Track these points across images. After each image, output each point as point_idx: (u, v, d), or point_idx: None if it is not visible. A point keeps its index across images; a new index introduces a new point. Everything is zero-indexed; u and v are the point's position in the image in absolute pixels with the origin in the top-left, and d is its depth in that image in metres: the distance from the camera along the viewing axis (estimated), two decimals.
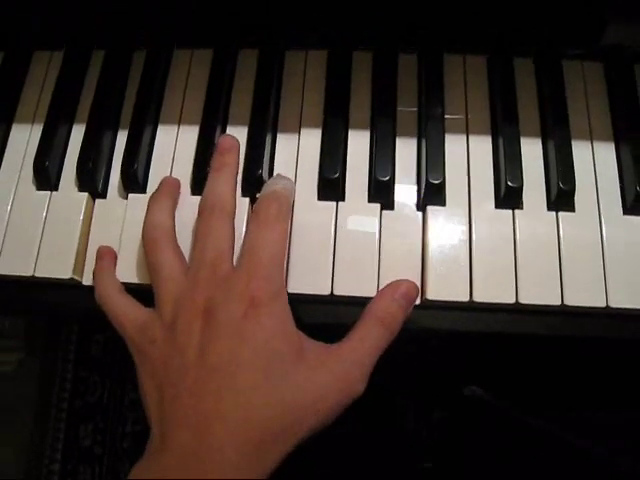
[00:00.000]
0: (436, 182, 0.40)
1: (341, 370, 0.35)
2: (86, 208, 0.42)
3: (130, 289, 0.40)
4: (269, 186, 0.39)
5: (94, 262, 0.41)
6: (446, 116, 0.43)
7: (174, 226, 0.40)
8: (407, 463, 0.66)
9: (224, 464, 0.31)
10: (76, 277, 0.41)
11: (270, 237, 0.36)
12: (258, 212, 0.37)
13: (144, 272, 0.40)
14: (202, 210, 0.39)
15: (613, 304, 0.39)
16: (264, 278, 0.35)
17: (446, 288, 0.39)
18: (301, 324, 0.37)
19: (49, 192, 0.43)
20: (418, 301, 0.39)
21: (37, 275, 0.41)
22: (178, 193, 0.42)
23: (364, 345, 0.36)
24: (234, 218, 0.39)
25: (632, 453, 0.51)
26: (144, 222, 0.40)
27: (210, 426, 0.32)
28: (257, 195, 0.41)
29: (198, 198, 0.40)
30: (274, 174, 0.42)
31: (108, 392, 1.02)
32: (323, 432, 0.58)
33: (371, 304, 0.38)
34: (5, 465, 0.96)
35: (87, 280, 0.41)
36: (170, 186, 0.41)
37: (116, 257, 0.41)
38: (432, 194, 0.41)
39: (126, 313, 0.38)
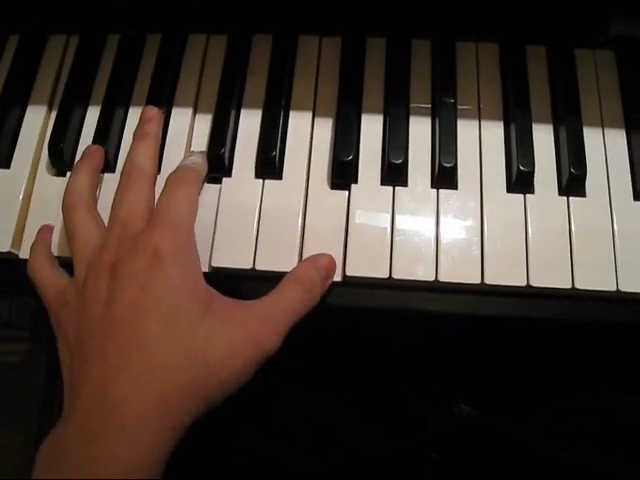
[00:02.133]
0: (448, 165, 0.41)
1: (252, 324, 0.35)
2: None
3: None
4: (179, 164, 0.41)
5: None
6: (459, 102, 0.44)
7: (93, 192, 0.41)
8: (412, 454, 0.66)
9: (126, 418, 0.31)
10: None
11: (175, 197, 0.38)
12: (166, 181, 0.39)
13: None
14: (122, 175, 0.40)
15: (624, 288, 0.39)
16: (168, 231, 0.35)
17: (458, 270, 0.39)
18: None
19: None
20: (432, 279, 0.39)
21: None
22: (100, 161, 0.42)
23: (280, 303, 0.36)
24: (154, 182, 0.40)
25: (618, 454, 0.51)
26: (65, 189, 0.40)
27: (114, 381, 0.32)
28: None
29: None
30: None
31: None
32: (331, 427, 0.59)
33: (292, 270, 0.39)
34: (13, 454, 0.96)
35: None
36: (91, 155, 0.42)
37: (52, 231, 0.42)
38: (444, 177, 0.41)
39: (49, 281, 0.39)
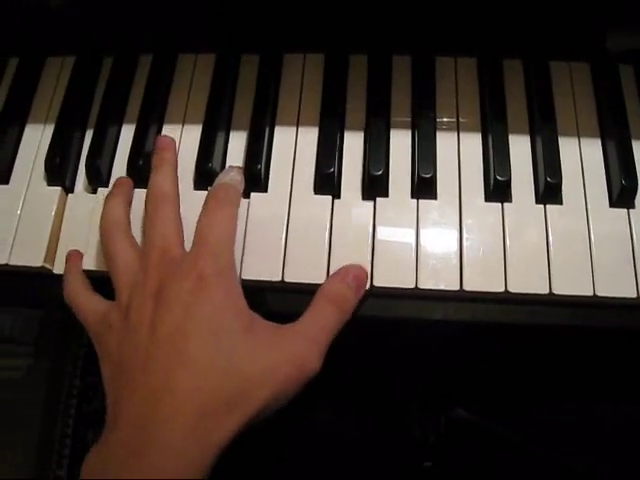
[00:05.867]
0: (427, 176, 0.42)
1: (292, 347, 0.36)
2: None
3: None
4: (218, 179, 0.42)
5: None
6: (438, 114, 0.45)
7: (129, 219, 0.42)
8: (410, 463, 0.66)
9: (172, 433, 0.32)
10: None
11: (217, 218, 0.38)
12: (207, 200, 0.40)
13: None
14: (147, 202, 0.41)
15: (600, 292, 0.40)
16: (210, 255, 0.37)
17: (438, 278, 0.40)
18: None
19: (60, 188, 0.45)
20: (412, 286, 0.40)
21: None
22: (131, 190, 0.44)
23: (316, 324, 0.37)
24: (178, 206, 0.41)
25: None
26: (101, 217, 0.42)
27: (160, 398, 0.33)
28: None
29: (201, 193, 0.42)
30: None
31: None
32: (327, 430, 0.59)
33: (322, 286, 0.39)
34: (13, 470, 0.97)
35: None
36: (122, 185, 0.44)
37: (82, 257, 0.43)
38: (423, 188, 0.42)
39: (90, 307, 0.40)
